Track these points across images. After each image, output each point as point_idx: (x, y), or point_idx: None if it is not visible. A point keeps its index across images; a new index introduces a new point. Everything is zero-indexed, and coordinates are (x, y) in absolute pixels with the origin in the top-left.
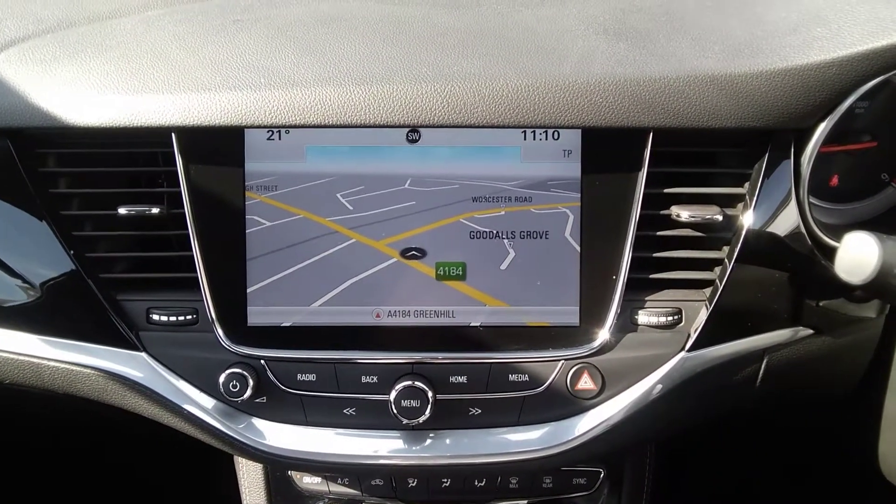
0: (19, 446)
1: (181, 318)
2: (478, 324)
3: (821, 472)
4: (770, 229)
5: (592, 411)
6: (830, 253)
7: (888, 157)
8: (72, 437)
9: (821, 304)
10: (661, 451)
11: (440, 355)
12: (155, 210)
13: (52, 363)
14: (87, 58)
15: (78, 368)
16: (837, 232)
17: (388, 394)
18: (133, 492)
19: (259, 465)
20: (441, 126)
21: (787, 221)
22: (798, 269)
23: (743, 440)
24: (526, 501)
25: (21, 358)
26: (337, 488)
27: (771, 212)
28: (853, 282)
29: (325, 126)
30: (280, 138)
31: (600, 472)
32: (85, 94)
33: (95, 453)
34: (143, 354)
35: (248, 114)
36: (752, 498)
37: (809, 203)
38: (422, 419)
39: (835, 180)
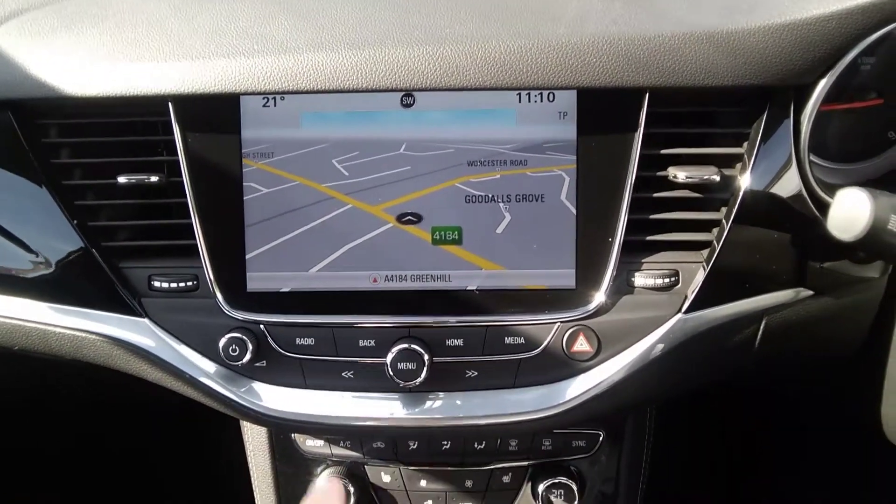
0: (33, 421)
1: (182, 284)
2: (474, 287)
3: (824, 434)
4: (768, 190)
5: (588, 373)
6: None
7: (893, 116)
8: (83, 408)
9: (821, 265)
10: (662, 414)
11: (436, 319)
12: (154, 178)
13: (58, 329)
14: (85, 28)
15: (83, 335)
16: None
17: (385, 357)
18: (144, 458)
19: (263, 429)
20: (434, 89)
21: (786, 182)
22: (797, 230)
23: (744, 403)
24: (526, 463)
25: (29, 325)
26: (339, 451)
27: (769, 172)
28: (845, 238)
29: (318, 91)
30: (275, 105)
31: (600, 435)
32: (82, 65)
33: (105, 421)
34: (146, 320)
35: (243, 81)
36: (754, 461)
37: (811, 162)
38: (417, 381)
39: (839, 139)
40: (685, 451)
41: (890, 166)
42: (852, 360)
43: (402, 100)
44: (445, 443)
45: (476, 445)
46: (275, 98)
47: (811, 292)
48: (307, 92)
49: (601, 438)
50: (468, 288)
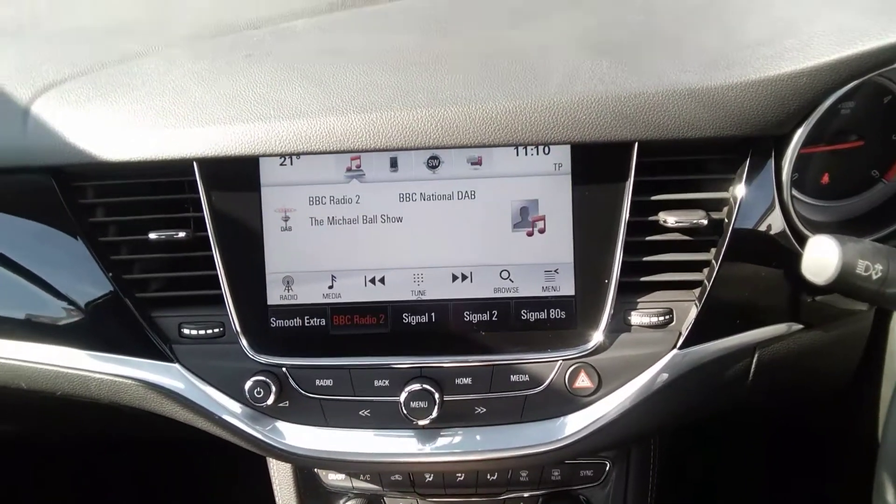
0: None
1: (209, 331)
2: (481, 329)
3: (825, 458)
4: (754, 231)
5: (590, 408)
6: None
7: (877, 155)
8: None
9: (810, 300)
10: (666, 443)
11: (446, 359)
12: (181, 234)
13: (97, 375)
14: (117, 97)
15: (120, 380)
16: (830, 230)
17: (399, 396)
18: (174, 492)
19: (288, 464)
20: (437, 147)
21: (770, 223)
22: (784, 267)
23: (745, 432)
24: (537, 492)
25: (70, 371)
26: (360, 484)
27: (755, 214)
28: (818, 282)
29: (330, 152)
30: (292, 163)
31: (606, 464)
32: (115, 132)
33: (138, 457)
34: (177, 366)
35: (261, 144)
36: (757, 488)
37: (794, 204)
38: (429, 419)
39: (826, 178)
40: (692, 477)
41: (875, 202)
42: (845, 390)
43: (428, 162)
44: (460, 475)
45: (489, 476)
46: (291, 158)
47: (801, 326)
48: (320, 153)
49: (608, 467)
50: (475, 328)
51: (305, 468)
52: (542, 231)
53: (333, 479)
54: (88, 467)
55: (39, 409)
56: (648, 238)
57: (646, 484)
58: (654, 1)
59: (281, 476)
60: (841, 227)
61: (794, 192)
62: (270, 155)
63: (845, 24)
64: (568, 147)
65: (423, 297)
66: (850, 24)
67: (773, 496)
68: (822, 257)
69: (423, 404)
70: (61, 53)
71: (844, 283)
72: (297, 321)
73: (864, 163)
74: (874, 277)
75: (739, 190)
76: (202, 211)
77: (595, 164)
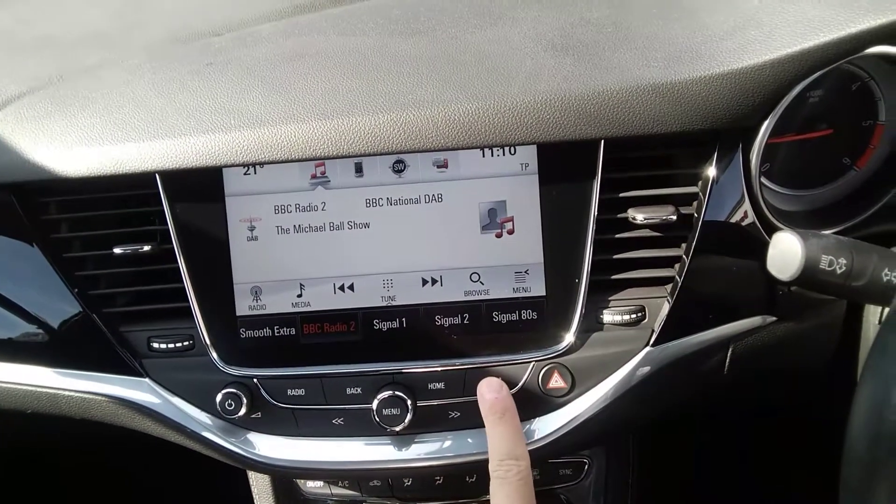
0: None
1: (178, 344)
2: (452, 333)
3: (805, 449)
4: (724, 225)
5: (564, 408)
6: None
7: (847, 143)
8: (94, 455)
9: (781, 291)
10: (646, 438)
11: (418, 364)
12: (147, 247)
13: (66, 392)
14: (76, 111)
15: (90, 396)
16: (801, 220)
17: (371, 403)
18: (157, 497)
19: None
20: (399, 152)
21: (740, 215)
22: (755, 260)
23: (725, 427)
24: None
25: (39, 390)
26: (338, 491)
27: (724, 208)
28: (783, 279)
29: (292, 160)
30: (256, 172)
31: (585, 462)
32: (75, 147)
33: (121, 468)
34: (147, 380)
35: (223, 154)
36: (736, 478)
37: (763, 195)
38: (402, 425)
39: (797, 167)
40: (672, 472)
41: (848, 190)
42: (822, 379)
43: (394, 166)
44: (438, 479)
45: (468, 479)
46: (254, 167)
47: (775, 318)
48: (282, 161)
49: (587, 466)
50: (447, 331)
51: (284, 477)
52: (510, 232)
53: (312, 486)
54: (64, 470)
55: (11, 422)
56: (618, 235)
57: (625, 480)
58: None
59: (260, 485)
60: (814, 216)
61: (766, 182)
62: (232, 165)
63: (807, 14)
64: (534, 147)
65: (394, 303)
66: (811, 15)
67: (752, 490)
68: (785, 254)
69: (395, 411)
70: (22, 67)
71: (809, 278)
72: (266, 331)
73: (835, 151)
74: (838, 272)
75: (708, 184)
76: (167, 223)
77: (562, 163)
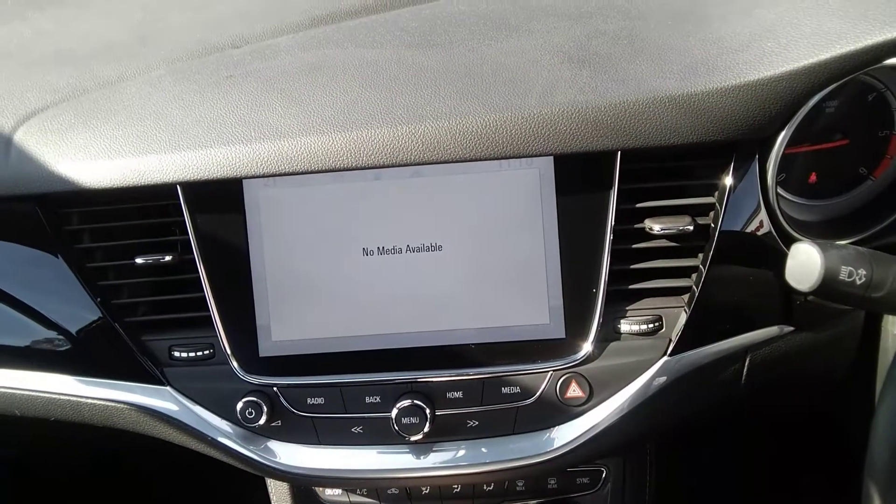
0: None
1: (199, 353)
2: (470, 342)
3: (823, 459)
4: (741, 235)
5: (582, 417)
6: None
7: (864, 152)
8: (116, 462)
9: (799, 301)
10: (663, 447)
11: (436, 373)
12: (168, 257)
13: (89, 401)
14: (98, 123)
15: (112, 404)
16: (818, 230)
17: (390, 412)
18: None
19: None
20: (419, 163)
21: (756, 225)
22: (772, 270)
23: (744, 432)
24: (534, 502)
25: (63, 398)
26: (357, 499)
27: (741, 218)
28: (802, 289)
29: (312, 172)
30: (275, 184)
31: (602, 471)
32: (97, 159)
33: (140, 475)
34: (168, 388)
35: (243, 166)
36: (755, 488)
37: (780, 205)
38: (421, 434)
39: (813, 177)
40: (689, 481)
41: (863, 201)
42: (842, 387)
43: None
44: (456, 487)
45: (485, 487)
46: (274, 178)
47: (792, 328)
48: (301, 173)
49: (604, 474)
50: (465, 342)
51: (302, 484)
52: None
53: (330, 494)
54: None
55: (35, 434)
56: (635, 246)
57: (642, 489)
58: (637, 5)
59: (278, 493)
60: (830, 226)
61: (782, 192)
62: (252, 177)
63: (823, 27)
64: (551, 158)
65: None
66: (827, 28)
67: (769, 497)
68: (804, 265)
69: (414, 420)
70: (44, 80)
71: (829, 289)
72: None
73: (852, 160)
74: (858, 283)
75: (725, 194)
76: (188, 234)
77: (579, 174)
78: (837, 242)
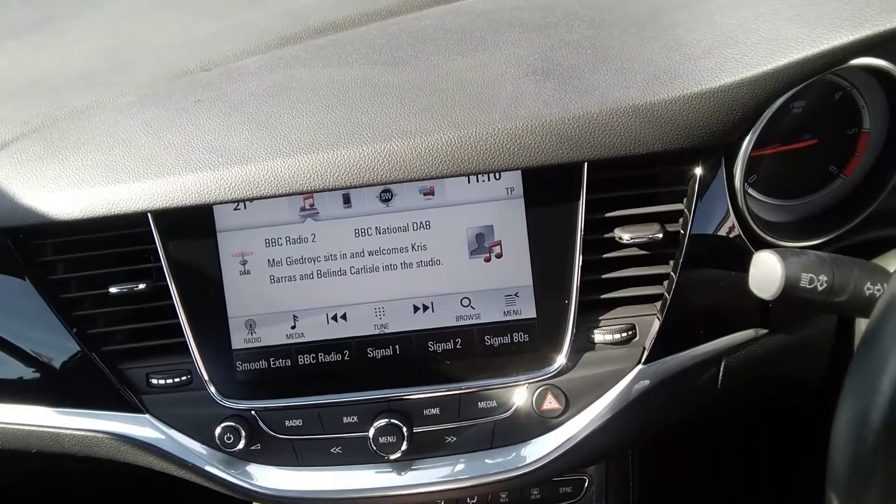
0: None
1: (177, 379)
2: (446, 358)
3: (804, 459)
4: (710, 240)
5: (559, 429)
6: None
7: (834, 151)
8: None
9: (770, 304)
10: (645, 452)
11: (413, 390)
12: (142, 286)
13: (69, 431)
14: (67, 154)
15: (92, 434)
16: (789, 230)
17: (367, 431)
18: None
19: None
20: (382, 183)
21: (726, 230)
22: (744, 273)
23: (728, 435)
24: None
25: (42, 429)
26: None
27: (710, 223)
28: (765, 297)
29: (280, 195)
30: (246, 207)
31: (585, 480)
32: (67, 190)
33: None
34: (147, 416)
35: (212, 192)
36: (739, 490)
37: (749, 208)
38: (399, 453)
39: (781, 178)
40: (672, 486)
41: (835, 199)
42: (818, 390)
43: (381, 196)
44: (439, 502)
45: (469, 501)
46: (244, 202)
47: (766, 330)
48: (270, 197)
49: (587, 483)
50: (440, 357)
51: None
52: (499, 256)
53: None
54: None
55: (20, 466)
56: (606, 255)
57: (626, 496)
58: (602, 14)
59: None
60: (803, 226)
61: (753, 193)
62: (222, 202)
63: (781, 32)
64: (519, 171)
65: (386, 331)
66: (786, 33)
67: (753, 499)
68: (766, 273)
69: (391, 438)
70: (14, 111)
71: (791, 297)
72: (262, 363)
73: (822, 159)
74: (819, 289)
75: (693, 200)
76: (160, 261)
77: (547, 186)
78: (802, 246)
